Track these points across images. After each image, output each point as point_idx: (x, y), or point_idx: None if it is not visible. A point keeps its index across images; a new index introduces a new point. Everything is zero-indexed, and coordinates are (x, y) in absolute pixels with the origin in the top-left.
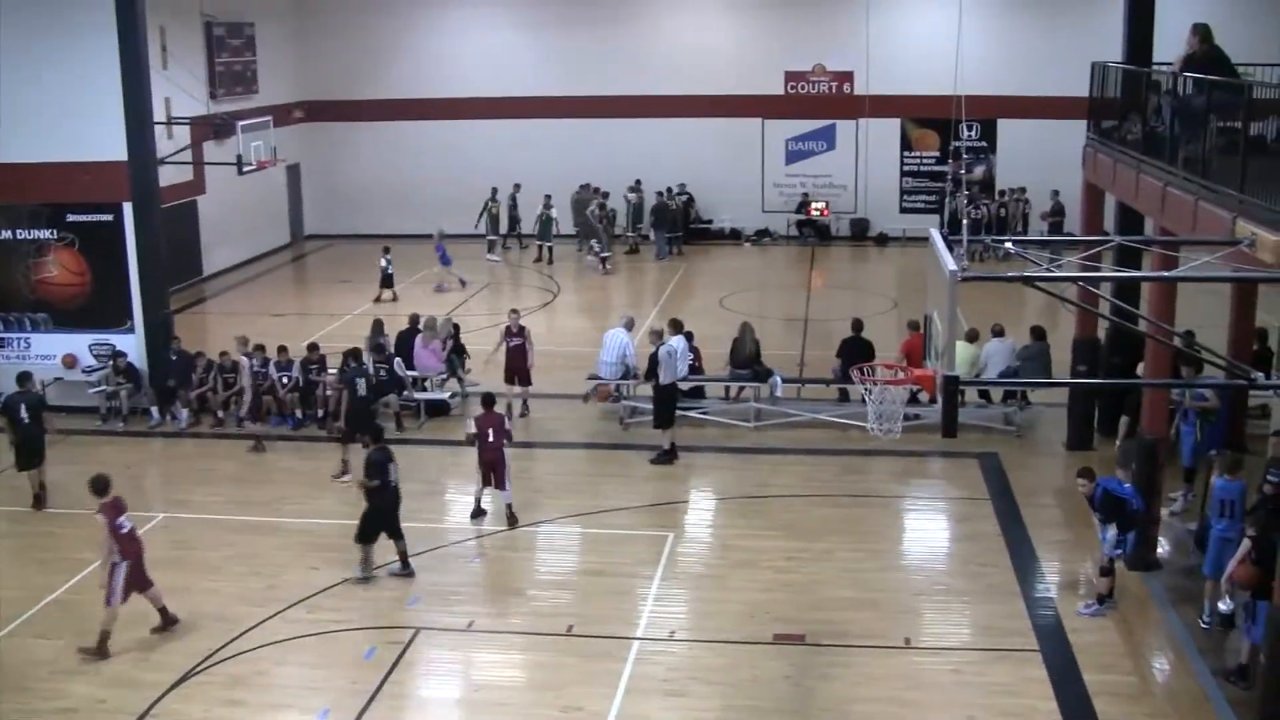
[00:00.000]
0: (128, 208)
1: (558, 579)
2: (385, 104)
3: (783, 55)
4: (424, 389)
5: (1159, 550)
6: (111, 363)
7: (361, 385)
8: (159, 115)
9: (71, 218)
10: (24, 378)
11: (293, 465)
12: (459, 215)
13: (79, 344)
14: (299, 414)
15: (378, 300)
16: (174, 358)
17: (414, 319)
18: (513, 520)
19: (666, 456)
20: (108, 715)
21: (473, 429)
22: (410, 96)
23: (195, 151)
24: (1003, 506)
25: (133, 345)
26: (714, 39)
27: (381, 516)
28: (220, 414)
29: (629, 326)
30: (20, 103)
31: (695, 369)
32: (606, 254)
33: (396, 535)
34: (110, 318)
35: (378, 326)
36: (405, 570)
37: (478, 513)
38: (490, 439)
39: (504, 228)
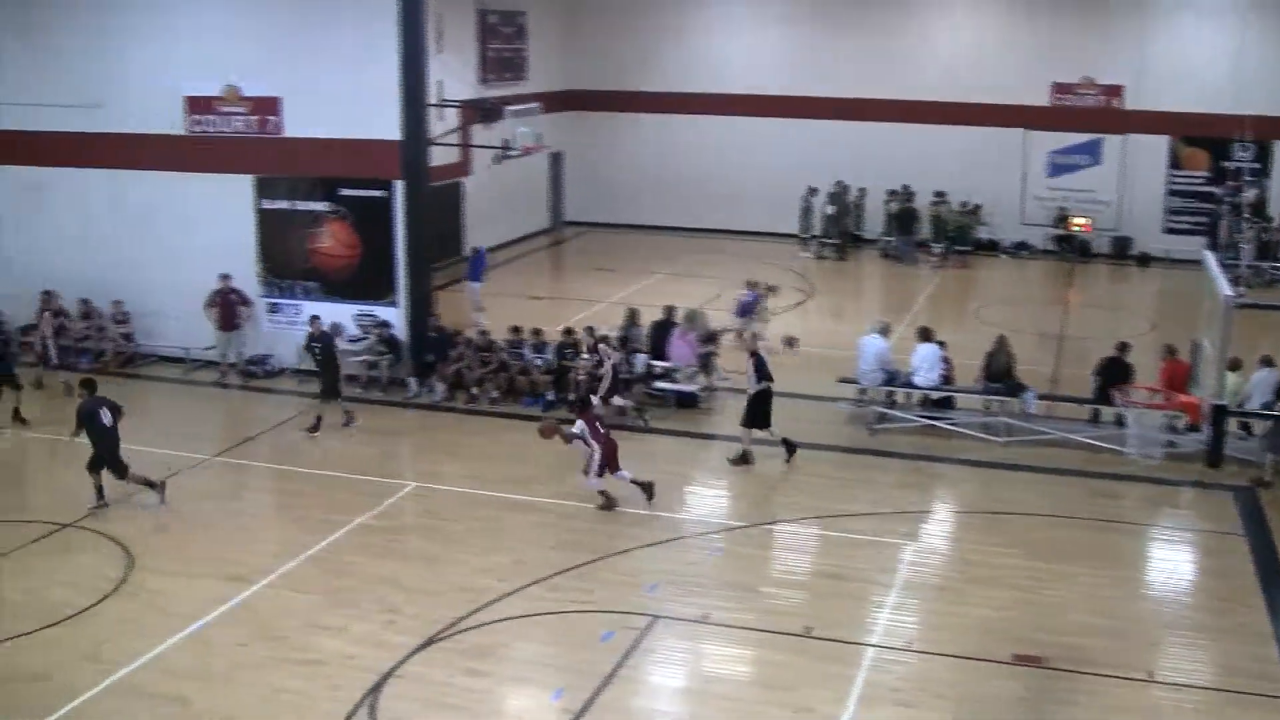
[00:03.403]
0: (399, 185)
1: (794, 579)
2: (650, 96)
3: (1050, 66)
4: (675, 381)
5: None
6: (375, 333)
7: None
8: (432, 98)
9: (345, 192)
10: None
11: (544, 445)
12: (715, 209)
13: (345, 313)
14: (550, 395)
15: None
16: (433, 334)
17: (669, 310)
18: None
19: (744, 458)
20: (354, 671)
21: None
22: (675, 90)
23: (463, 134)
24: (1258, 544)
25: (395, 318)
26: (980, 47)
27: (104, 457)
28: (474, 391)
29: (884, 332)
30: (305, 82)
31: (946, 379)
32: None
33: (121, 473)
34: (376, 290)
35: (632, 316)
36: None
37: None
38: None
39: (819, 227)
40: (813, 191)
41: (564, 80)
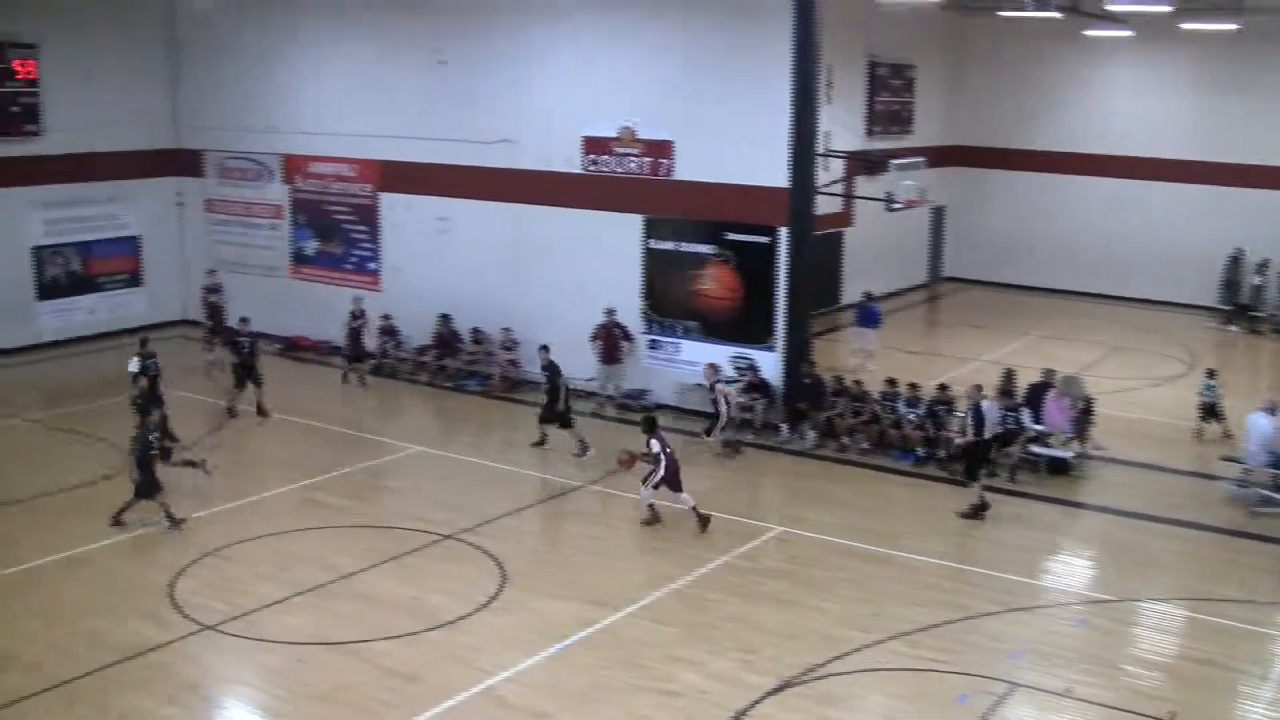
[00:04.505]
0: (783, 232)
1: (1161, 660)
2: (1034, 155)
3: None
4: (1047, 445)
5: None
6: (747, 377)
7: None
8: (820, 148)
9: (731, 236)
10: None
11: (911, 500)
12: (1097, 273)
13: (721, 355)
14: (920, 451)
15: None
16: (807, 380)
17: (1047, 373)
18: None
19: (976, 511)
20: (708, 707)
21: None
22: (1060, 149)
23: (848, 185)
24: None
25: (771, 363)
26: None
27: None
28: (845, 440)
29: (1272, 411)
30: (697, 126)
31: None
32: None
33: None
34: (754, 334)
35: (1008, 375)
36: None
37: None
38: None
39: (1247, 297)
40: (1235, 260)
41: (948, 135)
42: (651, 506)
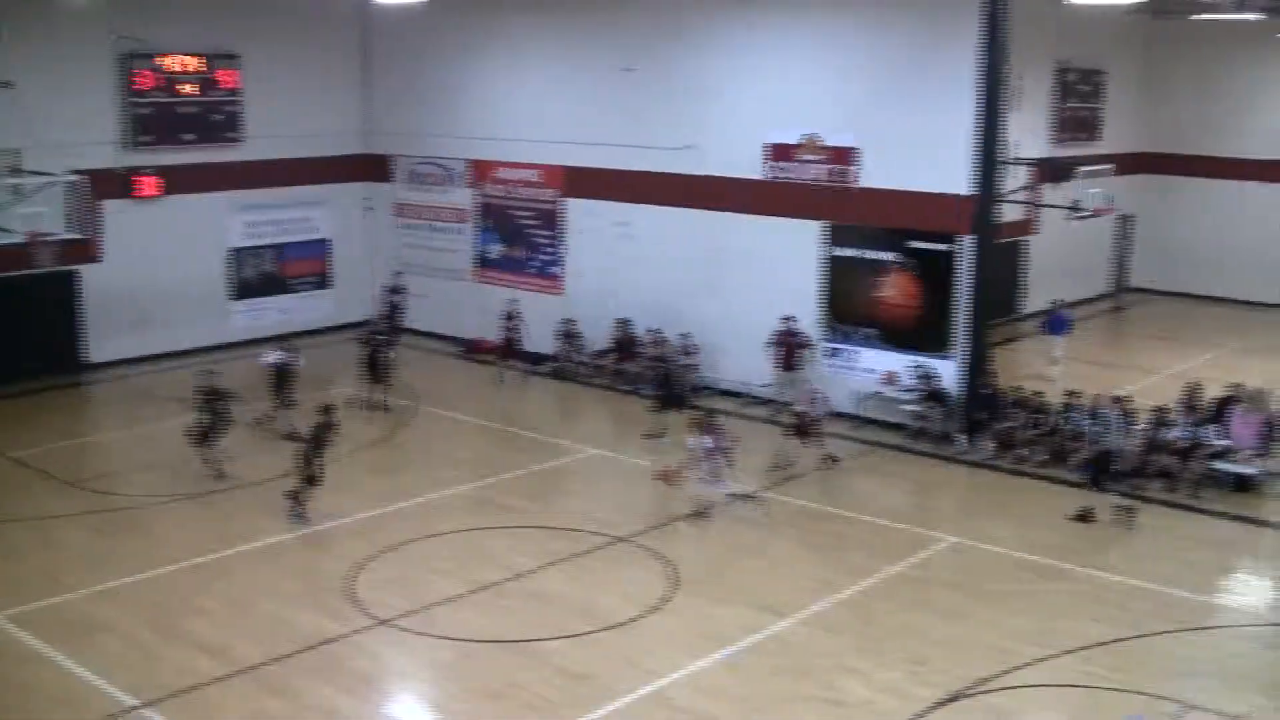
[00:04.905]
0: (965, 240)
1: None
2: (1227, 162)
3: None
4: (1233, 461)
5: None
6: (922, 386)
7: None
8: (1005, 155)
9: (912, 244)
10: None
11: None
12: None
13: (900, 363)
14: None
15: None
16: (985, 390)
17: (1235, 387)
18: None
19: (1084, 515)
20: (874, 717)
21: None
22: (1261, 157)
23: (1033, 193)
24: None
25: (950, 372)
26: None
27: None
28: (1023, 452)
29: None
30: (881, 133)
31: None
32: None
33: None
34: (933, 343)
35: (1194, 389)
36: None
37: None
38: None
39: None
40: None
41: (1138, 142)
42: (749, 496)
